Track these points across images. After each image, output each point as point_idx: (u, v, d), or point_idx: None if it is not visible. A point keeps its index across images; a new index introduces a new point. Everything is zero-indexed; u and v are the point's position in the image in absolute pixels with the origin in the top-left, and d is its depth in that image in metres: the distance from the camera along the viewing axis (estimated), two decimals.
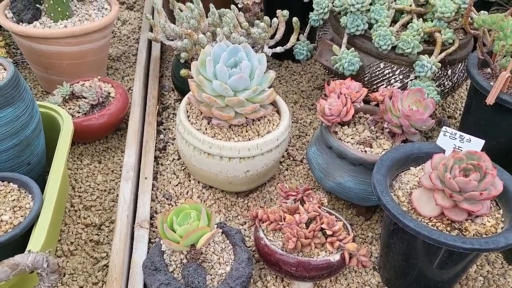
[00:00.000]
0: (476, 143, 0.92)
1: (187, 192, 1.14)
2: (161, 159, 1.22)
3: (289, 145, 1.31)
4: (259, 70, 1.02)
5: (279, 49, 1.34)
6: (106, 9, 1.37)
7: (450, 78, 1.22)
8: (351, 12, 1.17)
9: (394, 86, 1.20)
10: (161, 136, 1.28)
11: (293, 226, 0.87)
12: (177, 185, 1.15)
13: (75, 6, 1.33)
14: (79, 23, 1.28)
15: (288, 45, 1.35)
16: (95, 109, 1.18)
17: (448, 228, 0.81)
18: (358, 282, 0.97)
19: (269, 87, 1.08)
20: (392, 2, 1.23)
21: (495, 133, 1.07)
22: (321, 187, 1.14)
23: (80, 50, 1.27)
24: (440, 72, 1.19)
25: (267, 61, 1.62)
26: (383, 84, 1.20)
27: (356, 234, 1.08)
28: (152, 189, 1.13)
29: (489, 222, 0.83)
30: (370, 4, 1.20)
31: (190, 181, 1.16)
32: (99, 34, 1.30)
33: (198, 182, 1.16)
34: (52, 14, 1.25)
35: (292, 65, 1.64)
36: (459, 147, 0.93)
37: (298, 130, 1.36)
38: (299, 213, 0.89)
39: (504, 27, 0.89)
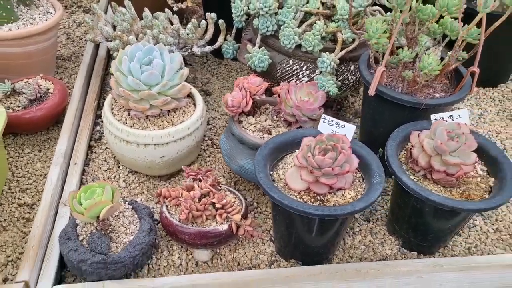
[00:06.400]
0: (349, 128, 1.06)
1: (115, 176, 1.28)
2: (95, 148, 1.36)
3: (214, 135, 1.45)
4: (169, 67, 1.16)
5: (207, 49, 1.48)
6: (51, 13, 1.51)
7: (353, 73, 1.36)
8: (262, 15, 1.31)
9: (302, 80, 1.34)
10: (98, 127, 1.42)
11: (188, 200, 1.02)
12: (106, 170, 1.29)
13: (21, 11, 1.47)
14: (23, 27, 1.42)
15: (216, 45, 1.49)
16: (34, 103, 1.32)
17: (313, 200, 0.96)
18: (254, 251, 1.12)
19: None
20: (304, 6, 1.37)
21: (382, 121, 1.21)
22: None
23: (24, 51, 1.41)
24: (343, 68, 1.33)
25: (208, 59, 1.80)
26: (293, 79, 1.34)
27: (261, 211, 1.22)
28: (84, 174, 1.27)
29: (350, 194, 0.97)
30: (280, 8, 1.34)
31: (118, 167, 1.31)
32: (42, 36, 1.44)
33: (126, 168, 1.30)
34: None
35: (231, 63, 1.78)
36: (335, 131, 1.07)
37: (226, 121, 1.51)
38: (194, 190, 1.04)
39: (368, 28, 1.04)
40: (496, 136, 1.48)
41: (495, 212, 1.24)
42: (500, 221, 1.22)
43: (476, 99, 1.65)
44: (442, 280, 1.07)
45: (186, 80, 1.25)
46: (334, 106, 1.57)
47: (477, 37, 1.07)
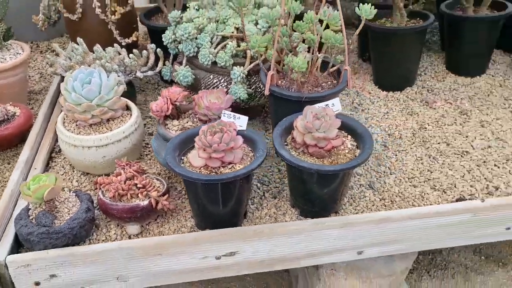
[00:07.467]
0: (243, 119, 1.34)
1: (69, 178, 1.55)
2: (56, 158, 1.63)
3: None
4: (104, 84, 1.45)
5: (149, 73, 1.78)
6: (20, 54, 1.83)
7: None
8: (184, 40, 1.62)
9: None
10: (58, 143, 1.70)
11: (115, 183, 1.28)
12: (62, 174, 1.56)
13: None
14: None
15: (157, 69, 1.80)
16: (2, 124, 1.61)
17: (209, 173, 1.22)
18: (177, 226, 1.36)
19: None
20: (221, 31, 1.68)
21: (279, 115, 1.48)
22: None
23: None
24: (255, 78, 1.62)
25: (159, 85, 2.11)
26: None
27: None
28: None
29: (239, 167, 1.24)
30: (200, 33, 1.65)
31: (73, 171, 1.58)
32: (10, 72, 1.75)
33: (79, 171, 1.57)
34: None
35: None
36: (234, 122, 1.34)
37: None
38: (121, 175, 1.31)
39: (251, 39, 1.33)
40: (395, 128, 1.75)
41: (383, 185, 1.49)
42: (386, 192, 1.47)
43: (385, 101, 1.93)
44: (329, 237, 1.31)
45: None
46: (261, 114, 1.85)
47: (341, 42, 1.36)
